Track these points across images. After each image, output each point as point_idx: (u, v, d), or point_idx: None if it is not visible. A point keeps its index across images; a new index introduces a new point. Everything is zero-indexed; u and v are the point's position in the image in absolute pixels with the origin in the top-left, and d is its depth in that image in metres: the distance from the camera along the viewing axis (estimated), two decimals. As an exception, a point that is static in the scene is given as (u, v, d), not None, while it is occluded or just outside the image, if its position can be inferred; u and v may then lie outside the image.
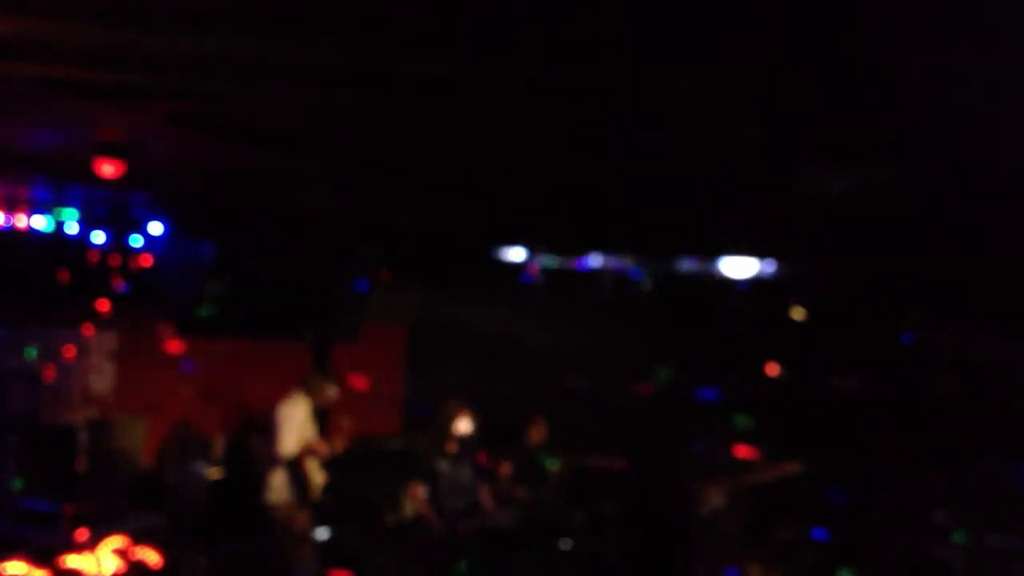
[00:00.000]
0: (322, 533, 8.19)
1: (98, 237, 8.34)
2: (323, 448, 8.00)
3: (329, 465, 8.13)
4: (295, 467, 7.91)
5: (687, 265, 9.49)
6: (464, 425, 8.29)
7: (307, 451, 7.93)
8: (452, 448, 8.26)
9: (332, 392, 8.22)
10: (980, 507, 8.80)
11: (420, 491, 8.13)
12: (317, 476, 8.05)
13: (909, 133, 4.53)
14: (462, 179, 6.38)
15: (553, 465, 9.18)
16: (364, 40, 3.59)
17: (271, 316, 9.56)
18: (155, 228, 8.52)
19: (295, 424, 7.94)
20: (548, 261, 10.02)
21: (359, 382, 9.60)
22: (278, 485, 7.94)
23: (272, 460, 7.99)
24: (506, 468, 8.88)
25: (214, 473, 9.05)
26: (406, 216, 8.21)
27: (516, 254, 9.80)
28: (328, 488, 8.16)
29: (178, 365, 9.25)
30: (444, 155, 5.67)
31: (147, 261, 8.67)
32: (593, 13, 3.18)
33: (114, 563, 7.22)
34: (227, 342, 9.59)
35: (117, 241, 8.47)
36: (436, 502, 8.15)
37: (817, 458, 8.89)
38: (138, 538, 7.46)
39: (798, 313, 10.09)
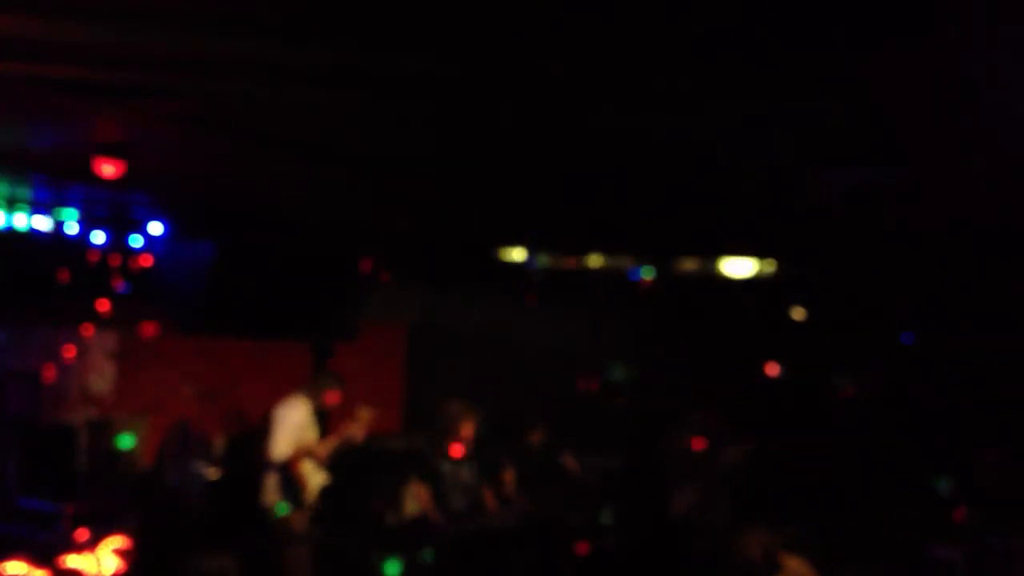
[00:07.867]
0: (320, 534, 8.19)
1: (98, 237, 8.34)
2: (322, 451, 7.97)
3: (329, 465, 8.12)
4: (286, 470, 7.89)
5: (687, 265, 9.48)
6: (467, 425, 8.28)
7: (304, 454, 7.90)
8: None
9: (332, 394, 8.19)
10: (980, 507, 8.80)
11: (423, 490, 8.12)
12: (313, 478, 8.03)
13: (909, 133, 4.53)
14: (462, 179, 6.38)
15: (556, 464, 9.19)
16: (364, 40, 3.59)
17: (271, 316, 9.55)
18: (155, 228, 8.52)
19: (291, 426, 7.92)
20: (548, 261, 10.01)
21: (360, 383, 9.60)
22: (270, 487, 7.93)
23: (266, 462, 7.98)
24: (510, 475, 8.86)
25: (214, 473, 9.05)
26: (406, 216, 8.20)
27: (516, 254, 9.79)
28: (328, 488, 8.15)
29: (178, 365, 9.25)
30: (444, 155, 5.67)
31: (147, 261, 8.66)
32: (595, 11, 3.18)
33: (114, 563, 7.22)
34: (227, 342, 9.59)
35: (117, 241, 8.46)
36: (439, 502, 8.14)
37: (815, 457, 8.88)
38: (138, 538, 7.45)
39: (798, 313, 10.09)
